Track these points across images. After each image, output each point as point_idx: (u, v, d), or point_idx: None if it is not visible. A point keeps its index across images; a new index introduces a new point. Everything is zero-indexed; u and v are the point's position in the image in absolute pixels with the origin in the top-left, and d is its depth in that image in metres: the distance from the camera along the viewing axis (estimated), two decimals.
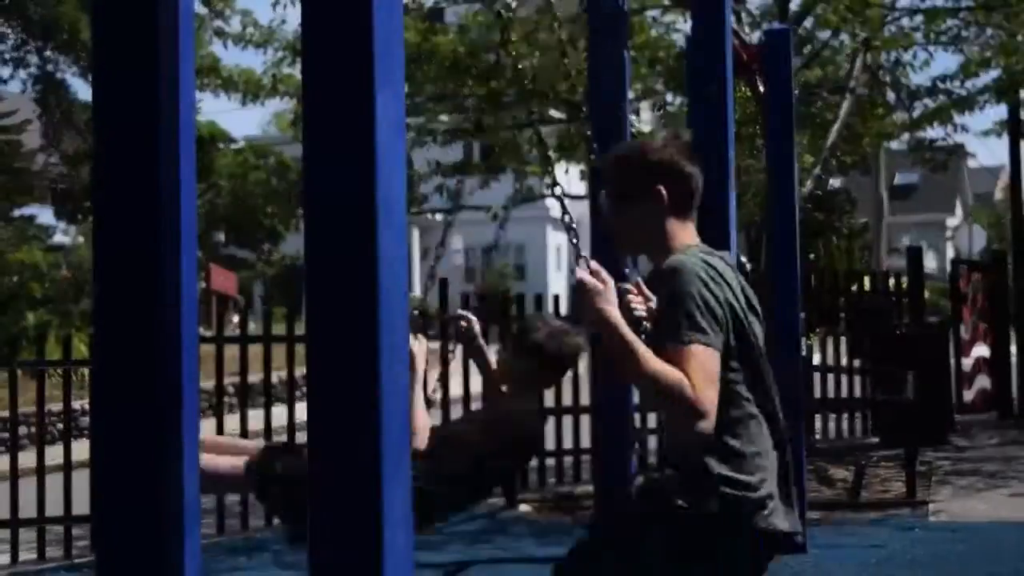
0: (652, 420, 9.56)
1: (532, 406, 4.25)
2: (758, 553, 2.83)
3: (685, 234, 2.92)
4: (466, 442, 4.04)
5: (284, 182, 30.17)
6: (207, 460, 4.05)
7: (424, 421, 4.03)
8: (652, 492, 2.95)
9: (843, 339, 11.05)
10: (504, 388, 4.21)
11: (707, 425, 2.61)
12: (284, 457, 4.02)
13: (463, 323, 4.31)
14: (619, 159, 3.05)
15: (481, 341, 4.29)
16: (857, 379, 11.00)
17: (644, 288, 3.21)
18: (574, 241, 3.95)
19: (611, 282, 2.76)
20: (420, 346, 4.13)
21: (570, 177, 12.70)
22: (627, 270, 3.76)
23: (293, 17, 9.85)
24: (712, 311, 2.69)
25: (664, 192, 2.89)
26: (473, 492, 4.24)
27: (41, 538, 7.75)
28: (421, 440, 3.92)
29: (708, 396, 2.60)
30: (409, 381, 3.95)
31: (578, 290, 2.75)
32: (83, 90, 22.81)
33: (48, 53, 21.01)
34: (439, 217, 26.09)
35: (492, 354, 4.34)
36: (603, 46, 5.33)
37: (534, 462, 9.18)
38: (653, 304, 3.12)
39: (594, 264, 2.83)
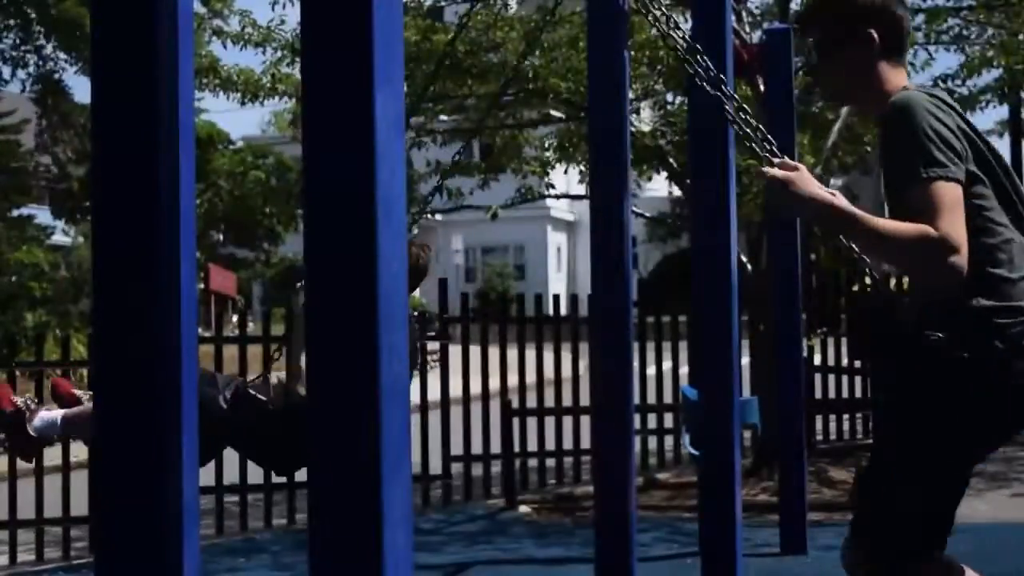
0: (652, 421, 9.56)
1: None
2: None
3: (899, 78, 2.82)
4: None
5: (284, 181, 30.19)
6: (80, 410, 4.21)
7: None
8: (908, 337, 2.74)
9: (844, 340, 11.04)
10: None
11: (960, 260, 2.49)
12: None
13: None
14: (825, 3, 2.95)
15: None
16: (858, 380, 10.98)
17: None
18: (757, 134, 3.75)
19: (801, 167, 2.67)
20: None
21: (570, 177, 12.69)
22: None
23: (292, 17, 9.84)
24: (947, 141, 2.57)
25: (875, 35, 2.80)
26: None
27: (40, 539, 7.74)
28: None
29: (955, 230, 2.49)
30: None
31: (773, 187, 2.63)
32: (84, 90, 22.80)
33: (47, 52, 21.02)
34: (439, 217, 26.10)
35: None
36: (603, 46, 5.32)
37: (534, 462, 9.18)
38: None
39: (777, 159, 2.75)
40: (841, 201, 2.61)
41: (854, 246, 2.73)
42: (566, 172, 11.68)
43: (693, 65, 4.29)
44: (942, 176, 2.53)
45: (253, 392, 4.51)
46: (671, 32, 4.43)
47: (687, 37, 4.60)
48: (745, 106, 4.09)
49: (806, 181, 2.63)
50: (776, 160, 2.69)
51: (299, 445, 4.26)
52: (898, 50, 2.84)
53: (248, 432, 4.47)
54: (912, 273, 2.74)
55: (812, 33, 2.96)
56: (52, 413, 4.39)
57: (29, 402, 4.46)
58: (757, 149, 3.67)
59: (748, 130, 3.93)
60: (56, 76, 21.86)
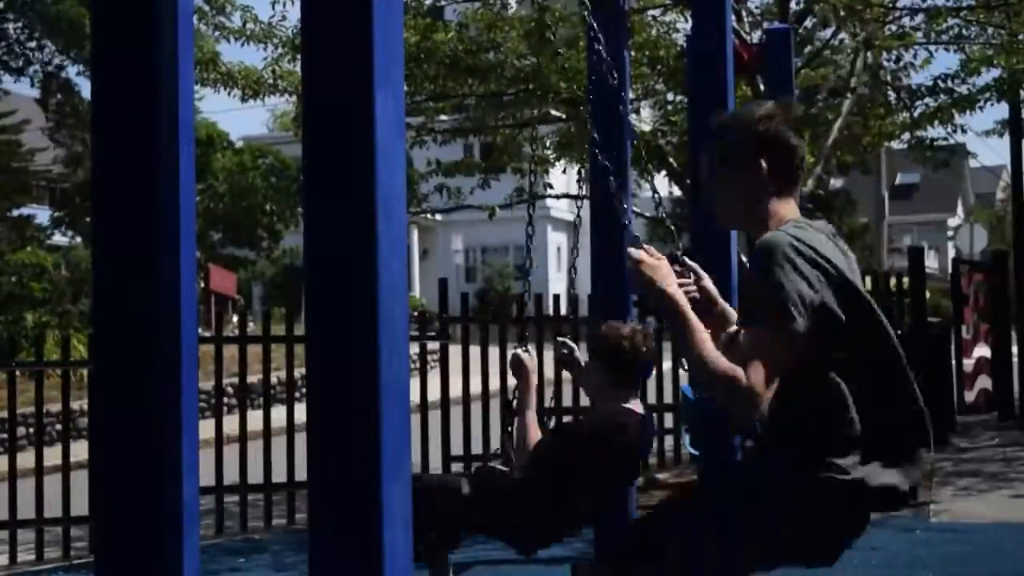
0: (652, 421, 9.55)
1: (616, 412, 4.11)
2: (852, 510, 2.80)
3: (785, 209, 2.81)
4: (555, 459, 4.04)
5: (285, 179, 30.16)
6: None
7: (535, 437, 4.08)
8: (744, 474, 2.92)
9: None
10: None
11: (755, 413, 2.59)
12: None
13: (564, 350, 4.31)
14: (721, 124, 2.97)
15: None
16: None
17: (693, 265, 3.18)
18: (627, 223, 3.87)
19: (664, 259, 2.76)
20: (531, 361, 4.14)
21: (569, 177, 12.69)
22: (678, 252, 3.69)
23: (293, 14, 9.83)
24: (798, 291, 2.57)
25: (765, 165, 2.80)
26: (566, 514, 4.17)
27: (40, 539, 7.74)
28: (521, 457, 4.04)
29: (759, 382, 2.54)
30: (523, 397, 3.98)
31: (634, 266, 2.74)
32: (86, 89, 22.79)
33: (49, 51, 21.03)
34: (439, 217, 26.09)
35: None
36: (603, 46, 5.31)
37: None
38: (706, 282, 3.14)
39: (646, 246, 2.82)
40: (685, 307, 2.69)
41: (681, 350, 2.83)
42: (564, 172, 11.68)
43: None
44: (779, 329, 2.55)
45: (492, 465, 4.33)
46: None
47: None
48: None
49: (664, 274, 2.75)
50: (645, 247, 2.80)
51: (556, 512, 4.06)
52: (788, 181, 2.83)
53: (494, 510, 4.14)
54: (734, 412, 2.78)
55: (707, 150, 2.97)
56: None
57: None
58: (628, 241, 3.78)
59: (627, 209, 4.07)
60: (62, 74, 21.90)
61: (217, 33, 10.11)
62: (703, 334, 2.63)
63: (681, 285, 2.90)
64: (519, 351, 4.37)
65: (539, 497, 4.00)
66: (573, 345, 4.29)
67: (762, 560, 2.88)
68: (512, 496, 4.05)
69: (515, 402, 4.35)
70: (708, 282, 3.17)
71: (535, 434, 4.15)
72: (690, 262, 3.19)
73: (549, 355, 9.26)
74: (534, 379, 4.24)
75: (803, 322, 2.56)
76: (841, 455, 2.66)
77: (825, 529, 2.83)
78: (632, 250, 2.79)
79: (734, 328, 2.90)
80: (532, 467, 4.04)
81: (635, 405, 4.10)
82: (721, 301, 3.16)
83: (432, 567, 4.12)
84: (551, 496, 4.01)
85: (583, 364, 4.24)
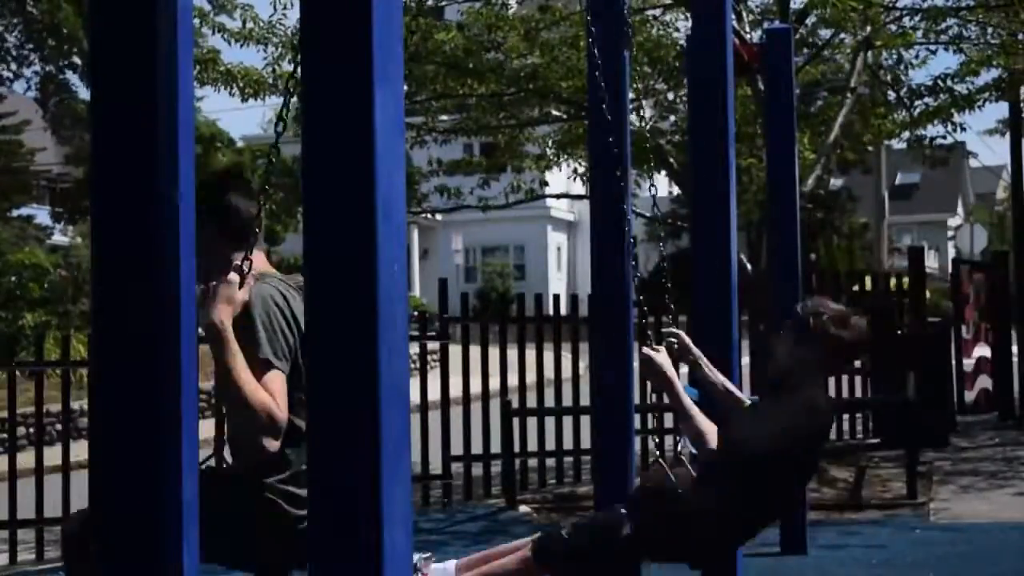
0: (652, 421, 9.55)
1: (820, 397, 3.80)
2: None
3: (256, 261, 3.09)
4: (753, 444, 3.61)
5: (289, 179, 30.11)
6: (492, 568, 3.96)
7: (708, 425, 3.67)
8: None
9: None
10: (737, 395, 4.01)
11: (276, 444, 2.89)
12: (563, 533, 3.77)
13: (673, 339, 4.01)
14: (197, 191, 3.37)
15: (696, 352, 4.03)
16: (858, 379, 10.98)
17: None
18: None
19: (244, 296, 2.97)
20: (663, 356, 3.83)
21: (568, 176, 12.68)
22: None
23: (293, 14, 9.82)
24: (284, 338, 2.97)
25: (217, 229, 3.09)
26: (757, 505, 3.70)
27: (40, 539, 7.74)
28: (711, 439, 3.60)
29: (285, 418, 2.87)
30: (672, 392, 3.81)
31: (216, 287, 2.92)
32: (83, 91, 22.76)
33: (48, 53, 21.02)
34: (439, 217, 26.09)
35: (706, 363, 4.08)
36: (603, 46, 5.31)
37: (534, 462, 9.18)
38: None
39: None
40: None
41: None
42: (566, 172, 11.68)
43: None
44: (278, 368, 2.94)
45: (649, 483, 3.87)
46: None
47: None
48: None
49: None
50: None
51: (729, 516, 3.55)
52: (241, 237, 3.08)
53: (657, 536, 3.63)
54: (241, 434, 2.99)
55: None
56: (445, 565, 3.97)
57: (419, 562, 3.97)
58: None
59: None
60: (60, 76, 21.88)
61: (218, 34, 10.10)
62: (239, 356, 2.89)
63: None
64: (646, 349, 3.88)
65: (727, 499, 3.54)
66: (681, 333, 4.07)
67: None
68: (689, 507, 3.57)
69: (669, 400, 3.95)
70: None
71: (706, 422, 3.69)
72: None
73: (549, 355, 9.28)
74: (672, 371, 3.82)
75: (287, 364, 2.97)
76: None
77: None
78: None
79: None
80: (718, 463, 3.58)
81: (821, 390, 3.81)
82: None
83: None
84: (742, 494, 3.56)
85: (697, 352, 4.00)
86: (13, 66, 21.71)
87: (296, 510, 2.98)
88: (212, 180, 3.33)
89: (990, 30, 10.34)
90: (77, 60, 21.84)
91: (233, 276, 2.93)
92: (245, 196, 3.23)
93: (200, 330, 2.78)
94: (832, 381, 10.74)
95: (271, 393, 2.86)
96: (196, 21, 10.26)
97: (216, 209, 3.12)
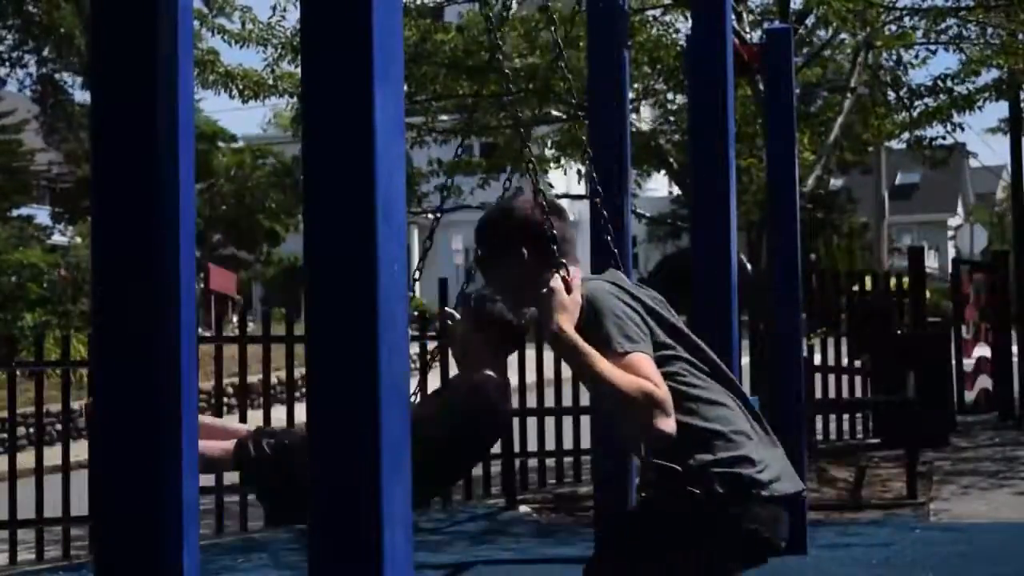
0: None
1: (494, 378, 4.18)
2: (768, 519, 2.87)
3: (575, 272, 2.96)
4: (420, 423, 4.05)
5: (289, 178, 30.16)
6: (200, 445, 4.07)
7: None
8: (649, 506, 3.03)
9: (844, 339, 11.04)
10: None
11: (672, 423, 2.68)
12: (272, 436, 4.03)
13: (448, 320, 4.26)
14: (485, 224, 3.19)
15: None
16: (858, 379, 10.98)
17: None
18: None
19: (577, 299, 2.81)
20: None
21: (569, 177, 12.68)
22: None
23: (292, 15, 9.83)
24: (633, 320, 2.79)
25: (526, 251, 2.99)
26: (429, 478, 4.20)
27: (40, 539, 7.74)
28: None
29: (669, 395, 2.68)
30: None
31: (547, 297, 2.79)
32: (80, 91, 22.76)
33: (46, 53, 21.01)
34: (431, 217, 26.10)
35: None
36: (603, 46, 5.32)
37: (534, 462, 9.18)
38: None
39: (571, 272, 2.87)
40: (582, 343, 2.76)
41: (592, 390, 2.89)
42: (566, 171, 11.68)
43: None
44: (639, 350, 2.73)
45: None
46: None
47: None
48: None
49: (570, 312, 2.80)
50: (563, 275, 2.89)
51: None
52: (549, 253, 2.95)
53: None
54: (635, 430, 2.84)
55: (481, 248, 3.19)
56: None
57: None
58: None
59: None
60: (56, 77, 21.86)
61: (217, 36, 10.11)
62: (597, 357, 2.71)
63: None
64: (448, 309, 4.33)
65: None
66: (455, 313, 4.26)
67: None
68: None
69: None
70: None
71: None
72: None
73: (549, 355, 9.27)
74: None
75: (648, 344, 2.77)
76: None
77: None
78: (553, 279, 2.86)
79: None
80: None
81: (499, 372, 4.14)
82: None
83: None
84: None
85: (459, 332, 4.22)
86: (7, 66, 21.70)
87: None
88: (506, 208, 3.20)
89: (990, 30, 10.34)
90: (75, 60, 21.86)
91: (556, 282, 2.82)
92: (535, 211, 3.08)
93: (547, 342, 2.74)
94: (833, 381, 10.77)
95: (639, 373, 2.68)
96: (196, 23, 10.26)
97: (521, 235, 3.02)
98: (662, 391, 2.66)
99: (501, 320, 3.99)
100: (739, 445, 2.83)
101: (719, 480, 2.77)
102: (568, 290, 2.81)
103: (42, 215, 28.94)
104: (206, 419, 4.48)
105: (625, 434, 2.86)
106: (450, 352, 4.01)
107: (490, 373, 4.02)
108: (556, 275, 2.84)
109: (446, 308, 4.03)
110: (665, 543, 2.86)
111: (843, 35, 10.53)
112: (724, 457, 2.79)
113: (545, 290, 2.79)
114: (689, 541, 2.84)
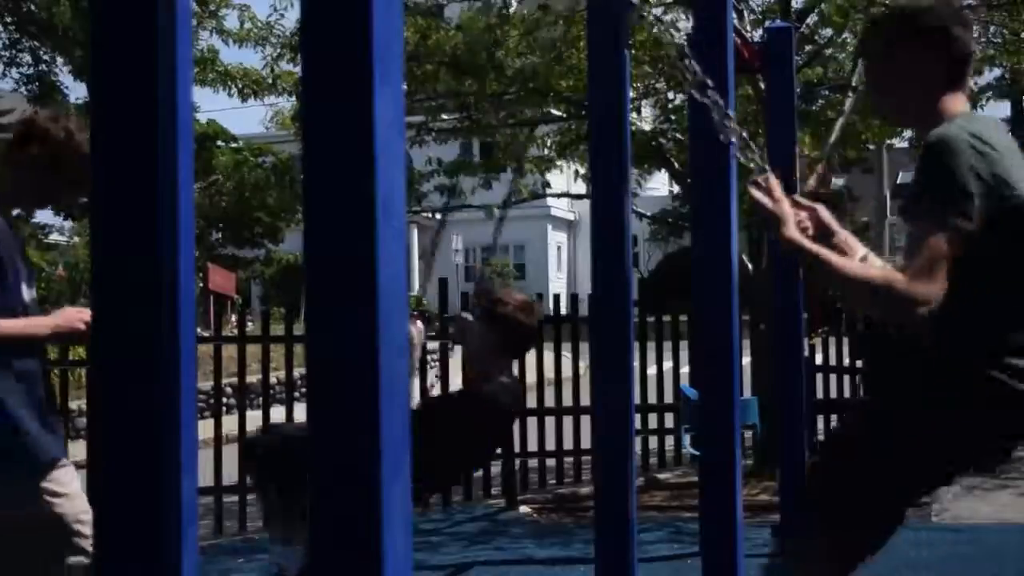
0: (652, 421, 9.54)
1: (507, 380, 4.25)
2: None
3: (955, 103, 2.78)
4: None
5: (287, 179, 30.17)
6: None
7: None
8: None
9: (845, 339, 11.03)
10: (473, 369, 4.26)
11: (925, 310, 2.54)
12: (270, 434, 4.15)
13: (462, 323, 4.32)
14: (878, 24, 3.01)
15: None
16: (858, 380, 10.97)
17: (805, 203, 3.08)
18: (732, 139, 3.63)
19: (784, 200, 2.75)
20: (418, 332, 4.17)
21: (568, 177, 12.67)
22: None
23: (291, 14, 9.83)
24: (964, 191, 2.56)
25: (930, 60, 2.78)
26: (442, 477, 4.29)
27: None
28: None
29: (923, 284, 2.53)
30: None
31: (765, 214, 2.72)
32: (78, 90, 22.74)
33: (42, 53, 20.98)
34: (439, 216, 26.08)
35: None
36: (603, 45, 5.30)
37: (534, 462, 9.17)
38: (822, 212, 3.05)
39: (766, 182, 2.74)
40: (817, 249, 2.69)
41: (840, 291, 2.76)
42: (567, 171, 11.67)
43: (681, 70, 4.27)
44: (943, 227, 2.55)
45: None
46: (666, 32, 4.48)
47: (682, 40, 4.63)
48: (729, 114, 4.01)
49: (784, 219, 2.75)
50: (762, 178, 2.74)
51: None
52: (958, 76, 2.80)
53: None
54: (881, 316, 2.78)
55: (866, 51, 3.00)
56: None
57: None
58: (742, 159, 3.61)
59: (734, 139, 3.83)
60: (51, 77, 21.81)
61: (217, 35, 10.11)
62: (841, 260, 2.63)
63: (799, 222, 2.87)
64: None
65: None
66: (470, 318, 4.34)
67: (943, 467, 2.83)
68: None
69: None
70: (823, 212, 3.10)
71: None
72: (801, 199, 3.11)
73: (549, 356, 9.27)
74: (417, 351, 4.37)
75: (967, 222, 2.55)
76: (1014, 356, 2.65)
77: (997, 431, 2.76)
78: (755, 191, 2.76)
79: (861, 253, 2.84)
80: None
81: (508, 374, 4.21)
82: (839, 229, 3.10)
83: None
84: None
85: (471, 327, 4.28)
86: (3, 63, 21.64)
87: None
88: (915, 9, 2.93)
89: (992, 29, 10.34)
90: (77, 56, 21.85)
91: (758, 193, 2.72)
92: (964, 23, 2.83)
93: None
94: (834, 381, 10.76)
95: (915, 258, 2.53)
96: (193, 22, 10.27)
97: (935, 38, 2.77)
98: (911, 283, 2.53)
99: (515, 321, 4.03)
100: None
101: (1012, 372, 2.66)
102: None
103: (41, 214, 28.97)
104: None
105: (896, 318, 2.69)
106: (463, 353, 4.04)
107: (504, 379, 4.06)
108: (758, 183, 2.73)
109: (461, 313, 4.07)
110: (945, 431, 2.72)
111: (845, 33, 10.52)
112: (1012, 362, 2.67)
113: (764, 199, 2.71)
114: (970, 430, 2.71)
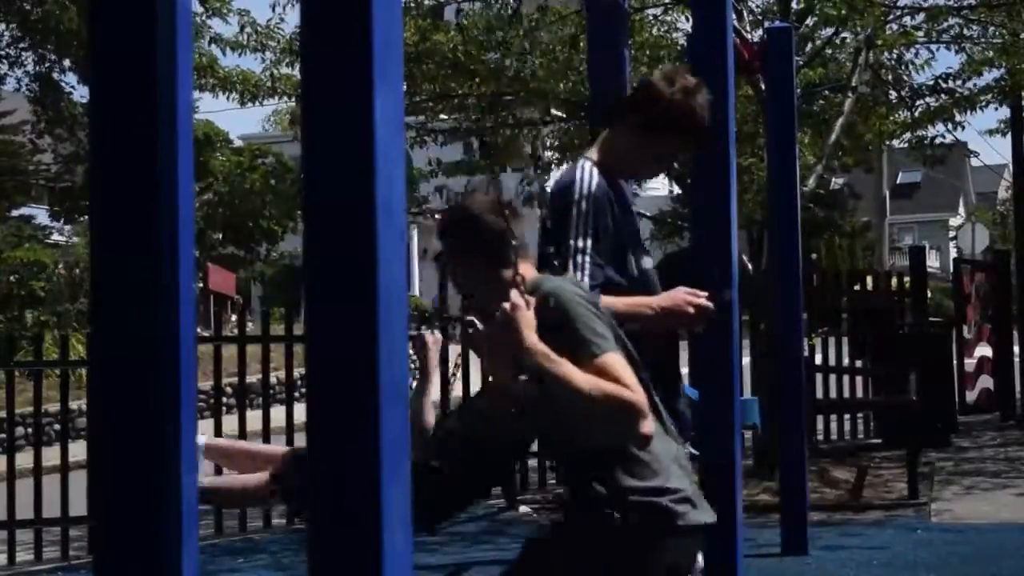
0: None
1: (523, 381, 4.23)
2: (685, 551, 2.82)
3: (527, 270, 2.85)
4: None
5: (285, 181, 30.16)
6: (231, 479, 4.06)
7: (431, 422, 4.06)
8: (563, 525, 2.93)
9: (845, 339, 11.03)
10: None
11: (650, 425, 2.64)
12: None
13: (470, 329, 4.21)
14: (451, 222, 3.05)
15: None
16: (859, 379, 10.98)
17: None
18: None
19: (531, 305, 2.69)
20: (436, 342, 4.11)
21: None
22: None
23: (291, 17, 9.83)
24: (601, 320, 2.72)
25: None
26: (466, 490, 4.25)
27: (38, 539, 7.74)
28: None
29: (642, 395, 2.61)
30: (421, 379, 3.97)
31: (505, 318, 2.64)
32: (78, 91, 22.72)
33: (44, 52, 20.97)
34: (439, 216, 26.08)
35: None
36: (603, 46, 5.31)
37: (534, 462, 9.18)
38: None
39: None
40: (553, 355, 2.63)
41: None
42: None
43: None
44: (612, 349, 2.64)
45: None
46: None
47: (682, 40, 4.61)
48: None
49: (531, 325, 2.66)
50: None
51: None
52: (502, 254, 2.84)
53: None
54: (600, 430, 2.71)
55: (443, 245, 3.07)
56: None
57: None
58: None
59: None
60: (54, 76, 21.79)
61: (214, 45, 10.10)
62: (569, 368, 2.60)
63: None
64: (424, 331, 4.39)
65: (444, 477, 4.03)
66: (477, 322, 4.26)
67: None
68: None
69: (413, 383, 4.45)
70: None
71: (431, 419, 4.28)
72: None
73: None
74: (435, 360, 4.30)
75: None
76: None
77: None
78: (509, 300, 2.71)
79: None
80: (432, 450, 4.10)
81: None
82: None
83: None
84: (457, 476, 4.06)
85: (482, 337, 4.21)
86: (6, 64, 21.62)
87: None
88: (457, 210, 3.11)
89: (991, 29, 10.34)
90: (78, 55, 21.81)
91: (516, 298, 2.67)
92: (490, 211, 2.93)
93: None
94: (834, 381, 10.76)
95: (616, 377, 2.59)
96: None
97: (472, 236, 2.90)
98: (639, 394, 2.61)
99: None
100: (659, 473, 2.71)
101: (639, 509, 2.68)
102: (521, 296, 2.68)
103: (41, 215, 28.91)
104: (230, 445, 4.44)
105: (609, 446, 2.71)
106: (477, 354, 3.92)
107: (523, 377, 3.97)
108: (513, 287, 2.70)
109: (467, 317, 3.90)
110: (579, 570, 2.75)
111: (845, 34, 10.52)
112: (645, 486, 2.69)
113: (507, 306, 2.65)
114: (603, 570, 2.73)
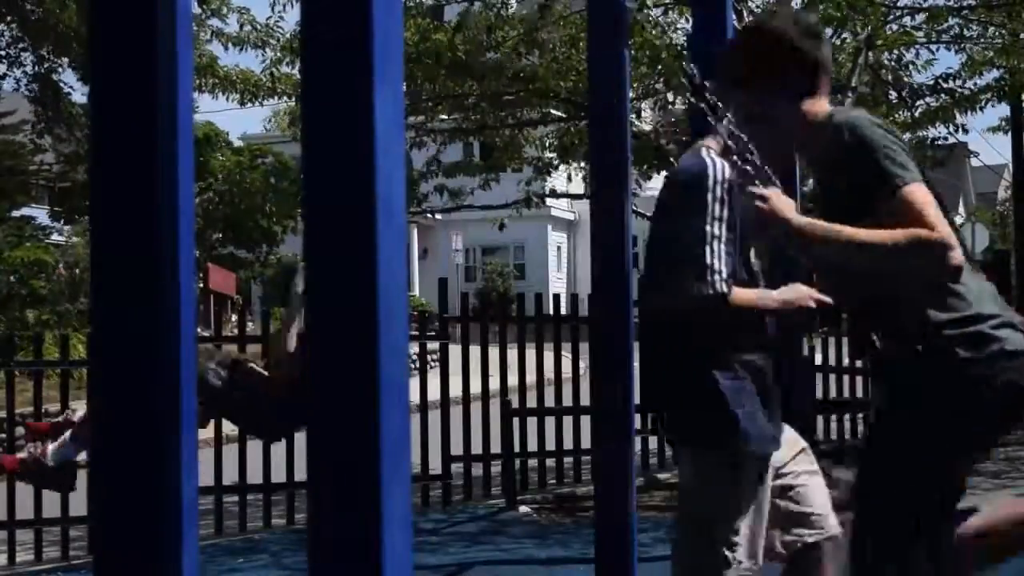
0: (652, 421, 9.54)
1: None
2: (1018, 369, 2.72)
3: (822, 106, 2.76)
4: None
5: (285, 180, 30.14)
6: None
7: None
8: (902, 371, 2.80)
9: (845, 339, 11.03)
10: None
11: (958, 254, 2.56)
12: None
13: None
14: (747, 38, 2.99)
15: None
16: (858, 380, 10.98)
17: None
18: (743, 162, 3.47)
19: (775, 190, 2.65)
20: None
21: (566, 176, 12.67)
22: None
23: (291, 16, 9.83)
24: (903, 149, 2.62)
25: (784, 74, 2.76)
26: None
27: (38, 539, 7.74)
28: None
29: (941, 228, 2.54)
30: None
31: (765, 209, 2.62)
32: (77, 90, 22.69)
33: (44, 52, 20.96)
34: (439, 217, 26.09)
35: None
36: (603, 46, 5.30)
37: (534, 462, 9.17)
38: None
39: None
40: (826, 226, 2.63)
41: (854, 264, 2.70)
42: (565, 171, 11.67)
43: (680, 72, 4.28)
44: (916, 177, 2.57)
45: (251, 366, 4.88)
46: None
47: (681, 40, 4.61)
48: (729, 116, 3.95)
49: (784, 202, 2.66)
50: (759, 190, 2.67)
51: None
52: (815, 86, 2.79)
53: (242, 403, 4.72)
54: (909, 277, 2.70)
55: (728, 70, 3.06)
56: (57, 441, 4.71)
57: (32, 449, 4.75)
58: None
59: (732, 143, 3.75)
60: (54, 76, 21.78)
61: (215, 40, 10.11)
62: (852, 230, 2.55)
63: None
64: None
65: (285, 391, 4.46)
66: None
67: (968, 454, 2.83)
68: (262, 391, 4.60)
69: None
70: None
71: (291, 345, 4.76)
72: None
73: (549, 355, 9.27)
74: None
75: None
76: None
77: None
78: (756, 192, 2.66)
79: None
80: (288, 365, 4.64)
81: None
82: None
83: None
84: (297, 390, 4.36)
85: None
86: (5, 64, 21.59)
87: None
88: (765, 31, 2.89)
89: (991, 29, 10.33)
90: (78, 55, 21.79)
91: (762, 190, 2.61)
92: (806, 36, 2.77)
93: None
94: (833, 381, 10.76)
95: (919, 213, 2.51)
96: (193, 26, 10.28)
97: (780, 60, 2.73)
98: (942, 226, 2.51)
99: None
100: (973, 303, 2.68)
101: (960, 341, 2.63)
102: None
103: (41, 215, 28.91)
104: None
105: (910, 290, 2.65)
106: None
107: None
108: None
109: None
110: (930, 424, 2.69)
111: (845, 34, 10.52)
112: (960, 316, 2.65)
113: (760, 199, 2.61)
114: (951, 414, 2.68)
